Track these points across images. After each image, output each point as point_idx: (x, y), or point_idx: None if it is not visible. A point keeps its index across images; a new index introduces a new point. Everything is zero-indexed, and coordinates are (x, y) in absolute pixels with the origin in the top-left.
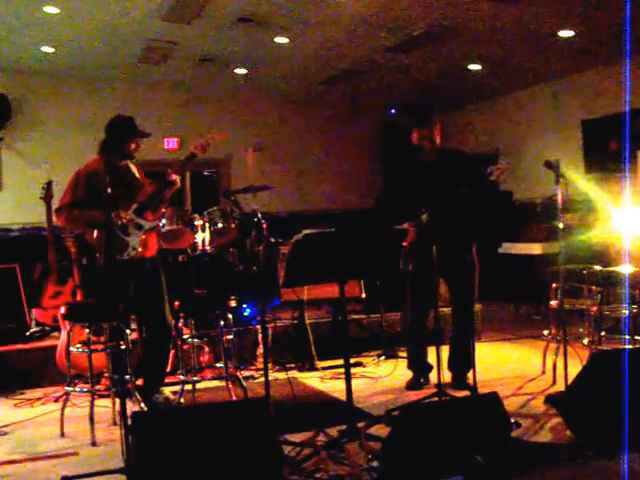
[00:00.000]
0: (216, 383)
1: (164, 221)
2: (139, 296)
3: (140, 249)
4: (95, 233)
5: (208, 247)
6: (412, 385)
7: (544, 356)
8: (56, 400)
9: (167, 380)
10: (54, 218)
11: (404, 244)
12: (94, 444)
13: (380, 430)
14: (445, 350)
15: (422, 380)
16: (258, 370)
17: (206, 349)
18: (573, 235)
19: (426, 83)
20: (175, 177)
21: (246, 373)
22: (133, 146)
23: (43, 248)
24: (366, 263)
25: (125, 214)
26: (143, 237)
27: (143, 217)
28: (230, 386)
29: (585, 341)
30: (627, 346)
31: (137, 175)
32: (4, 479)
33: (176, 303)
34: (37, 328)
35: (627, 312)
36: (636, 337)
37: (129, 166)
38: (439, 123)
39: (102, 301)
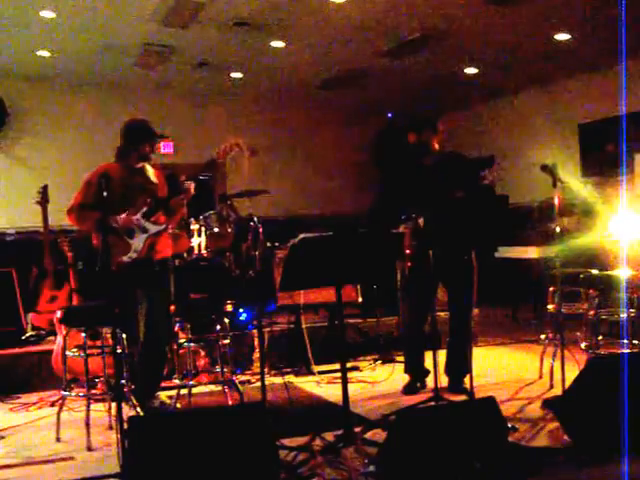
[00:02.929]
0: (212, 388)
1: None
2: (146, 298)
3: (144, 251)
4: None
5: (204, 251)
6: (409, 389)
7: (541, 360)
8: (52, 404)
9: (163, 384)
10: (66, 217)
11: (405, 251)
12: (90, 449)
13: (377, 435)
14: (442, 354)
15: (419, 385)
16: (254, 375)
17: (202, 353)
18: (570, 239)
19: (422, 87)
20: (187, 184)
21: (242, 377)
22: (148, 149)
23: (39, 252)
24: (363, 267)
25: (130, 217)
26: (148, 241)
27: (151, 221)
28: (226, 391)
29: (582, 345)
30: (625, 350)
31: (153, 178)
32: None
33: (172, 307)
34: (33, 332)
35: (625, 316)
36: (634, 341)
37: (145, 169)
38: (439, 127)
39: (99, 305)
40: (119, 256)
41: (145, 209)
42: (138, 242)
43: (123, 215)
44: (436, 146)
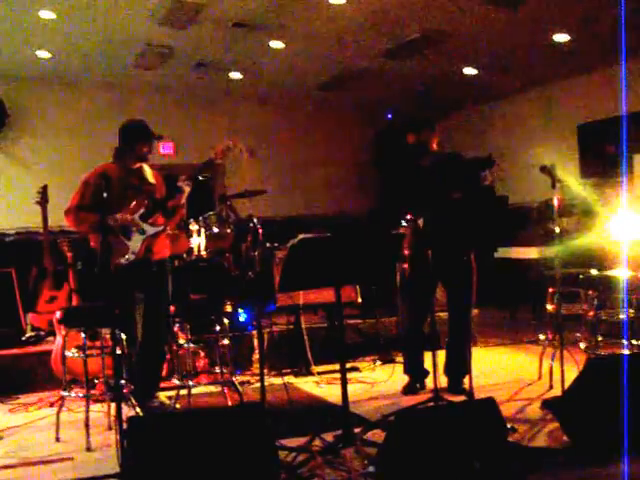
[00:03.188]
0: (212, 388)
1: None
2: (144, 299)
3: (142, 252)
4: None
5: (204, 252)
6: (408, 390)
7: (540, 361)
8: (51, 405)
9: (163, 385)
10: (64, 218)
11: (404, 252)
12: (89, 449)
13: (376, 435)
14: (441, 355)
15: (418, 385)
16: (254, 375)
17: (202, 354)
18: (569, 239)
19: (422, 87)
20: (181, 183)
21: (242, 378)
22: (145, 149)
23: (39, 253)
24: (362, 268)
25: (125, 217)
26: (146, 242)
27: (149, 222)
28: (226, 391)
29: (582, 346)
30: (624, 351)
31: (151, 179)
32: None
33: (172, 308)
34: (32, 333)
35: (624, 317)
36: (633, 342)
37: (143, 169)
38: (436, 127)
39: (98, 306)
40: (117, 258)
41: (143, 210)
42: (135, 243)
43: (118, 215)
44: (435, 146)
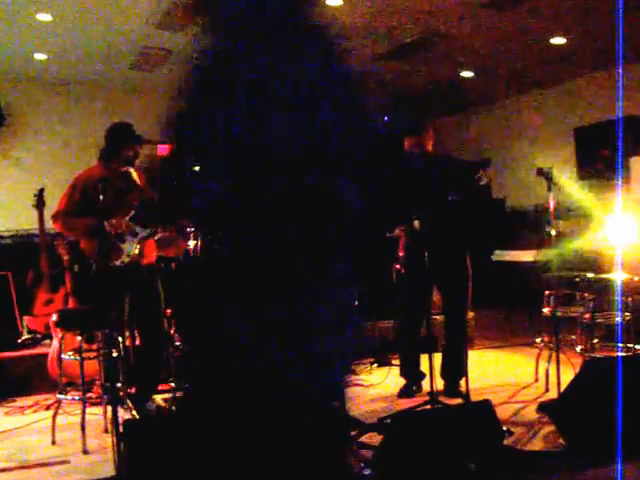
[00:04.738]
0: None
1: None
2: (136, 303)
3: (136, 255)
4: (88, 240)
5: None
6: (404, 393)
7: (537, 364)
8: (47, 408)
9: (159, 387)
10: (51, 223)
11: (400, 253)
12: (86, 452)
13: (372, 438)
14: (438, 358)
15: (414, 388)
16: None
17: None
18: (566, 242)
19: (418, 90)
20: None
21: None
22: (131, 153)
23: (35, 255)
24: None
25: (121, 222)
26: (139, 245)
27: (140, 224)
28: None
29: (578, 348)
30: (620, 353)
31: (137, 181)
32: None
33: (168, 310)
34: (29, 335)
35: (620, 319)
36: (629, 345)
37: (130, 173)
38: (432, 131)
39: (95, 308)
40: (111, 261)
41: (133, 212)
42: (129, 246)
43: (114, 220)
44: (430, 149)
